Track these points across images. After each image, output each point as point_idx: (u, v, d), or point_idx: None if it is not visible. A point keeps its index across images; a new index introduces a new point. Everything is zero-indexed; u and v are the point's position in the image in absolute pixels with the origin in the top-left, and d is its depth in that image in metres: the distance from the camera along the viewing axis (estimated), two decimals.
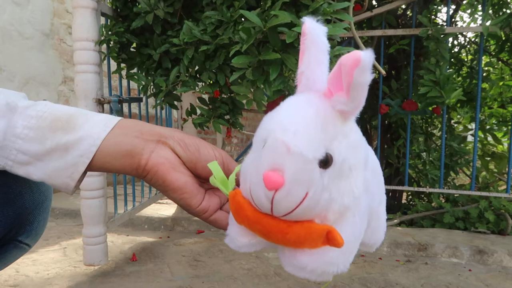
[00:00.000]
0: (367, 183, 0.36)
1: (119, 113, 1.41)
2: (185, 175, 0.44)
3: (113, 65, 1.49)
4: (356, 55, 0.27)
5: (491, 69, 2.63)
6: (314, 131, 0.31)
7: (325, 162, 0.31)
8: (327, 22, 1.05)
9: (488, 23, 1.47)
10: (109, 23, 1.45)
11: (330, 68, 0.33)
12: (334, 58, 1.04)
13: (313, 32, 0.34)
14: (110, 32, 1.36)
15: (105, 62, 1.48)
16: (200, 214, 0.45)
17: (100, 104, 1.37)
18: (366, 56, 0.27)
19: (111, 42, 1.40)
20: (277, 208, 0.31)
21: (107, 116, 0.45)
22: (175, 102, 1.41)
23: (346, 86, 0.30)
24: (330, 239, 0.32)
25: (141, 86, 1.38)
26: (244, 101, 1.35)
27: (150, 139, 0.44)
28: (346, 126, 0.33)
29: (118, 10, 1.44)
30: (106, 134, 0.43)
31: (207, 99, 1.40)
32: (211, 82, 1.34)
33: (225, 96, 1.39)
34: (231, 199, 0.36)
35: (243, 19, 1.13)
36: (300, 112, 0.32)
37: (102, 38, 1.36)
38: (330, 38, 1.08)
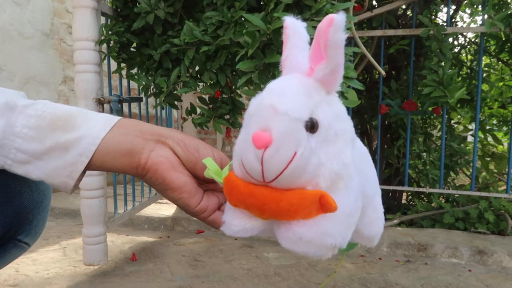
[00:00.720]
0: (357, 162, 0.37)
1: (119, 113, 1.41)
2: (184, 175, 0.44)
3: (113, 64, 1.49)
4: (330, 17, 0.30)
5: (491, 70, 2.63)
6: (299, 95, 0.33)
7: (312, 126, 0.32)
8: None
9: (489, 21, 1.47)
10: (109, 23, 1.45)
11: None
12: None
13: (294, 24, 0.37)
14: (110, 32, 1.36)
15: (105, 61, 1.48)
16: (198, 214, 0.45)
17: (100, 104, 1.37)
18: (338, 16, 0.30)
19: (111, 42, 1.40)
20: (267, 168, 0.31)
21: (107, 116, 0.45)
22: (176, 102, 1.41)
23: (323, 47, 0.32)
24: (323, 203, 0.33)
25: (142, 86, 1.38)
26: None
27: (150, 139, 0.44)
28: (329, 96, 0.35)
29: (118, 9, 1.44)
30: (106, 133, 0.43)
31: (207, 99, 1.40)
32: (212, 82, 1.34)
33: (226, 96, 1.39)
34: (225, 182, 0.37)
35: (243, 19, 1.13)
36: (286, 82, 0.34)
37: (102, 37, 1.36)
38: None
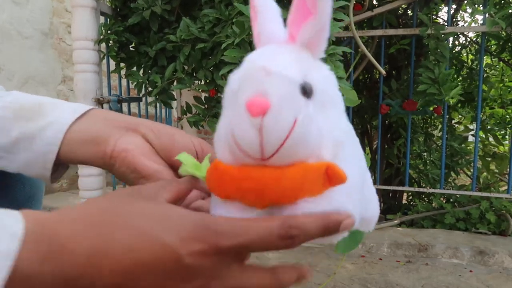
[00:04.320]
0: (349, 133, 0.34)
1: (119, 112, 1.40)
2: (158, 163, 0.40)
3: (113, 64, 1.49)
4: None
5: (492, 70, 2.62)
6: (289, 57, 0.30)
7: (306, 91, 0.29)
8: None
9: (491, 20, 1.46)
10: (108, 22, 1.44)
11: None
12: (328, 57, 1.04)
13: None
14: (109, 31, 1.36)
15: (105, 61, 1.47)
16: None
17: (100, 103, 1.36)
18: None
19: (110, 41, 1.40)
20: (268, 138, 0.27)
21: (78, 105, 0.42)
22: (175, 102, 1.41)
23: (312, 1, 0.29)
24: (331, 175, 0.29)
25: (135, 83, 1.37)
26: None
27: (118, 126, 0.41)
28: (317, 61, 0.32)
29: (118, 9, 1.43)
30: (73, 121, 0.40)
31: (203, 98, 1.40)
32: (208, 80, 1.34)
33: (222, 96, 1.38)
34: (211, 172, 0.32)
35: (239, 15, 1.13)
36: (271, 47, 0.31)
37: (101, 37, 1.36)
38: None
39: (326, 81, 0.31)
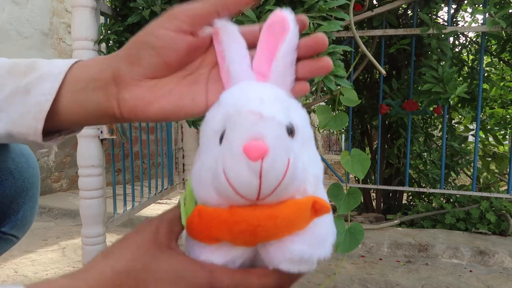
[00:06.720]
0: None
1: None
2: (167, 102, 0.37)
3: None
4: (283, 16, 0.32)
5: (492, 69, 2.62)
6: (275, 100, 0.31)
7: (291, 131, 0.31)
8: (323, 19, 1.04)
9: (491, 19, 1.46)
10: (108, 22, 1.44)
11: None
12: (328, 56, 1.04)
13: (228, 29, 0.34)
14: (109, 31, 1.36)
15: None
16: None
17: None
18: (287, 13, 0.32)
19: (110, 41, 1.40)
20: (267, 181, 0.28)
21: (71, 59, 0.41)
22: None
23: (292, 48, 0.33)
24: (318, 208, 0.31)
25: None
26: None
27: (106, 85, 0.37)
28: (292, 100, 0.33)
29: (117, 9, 1.43)
30: (69, 68, 0.38)
31: None
32: None
33: None
34: (196, 218, 0.32)
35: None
36: (253, 87, 0.32)
37: (101, 37, 1.35)
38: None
39: (304, 120, 0.33)
